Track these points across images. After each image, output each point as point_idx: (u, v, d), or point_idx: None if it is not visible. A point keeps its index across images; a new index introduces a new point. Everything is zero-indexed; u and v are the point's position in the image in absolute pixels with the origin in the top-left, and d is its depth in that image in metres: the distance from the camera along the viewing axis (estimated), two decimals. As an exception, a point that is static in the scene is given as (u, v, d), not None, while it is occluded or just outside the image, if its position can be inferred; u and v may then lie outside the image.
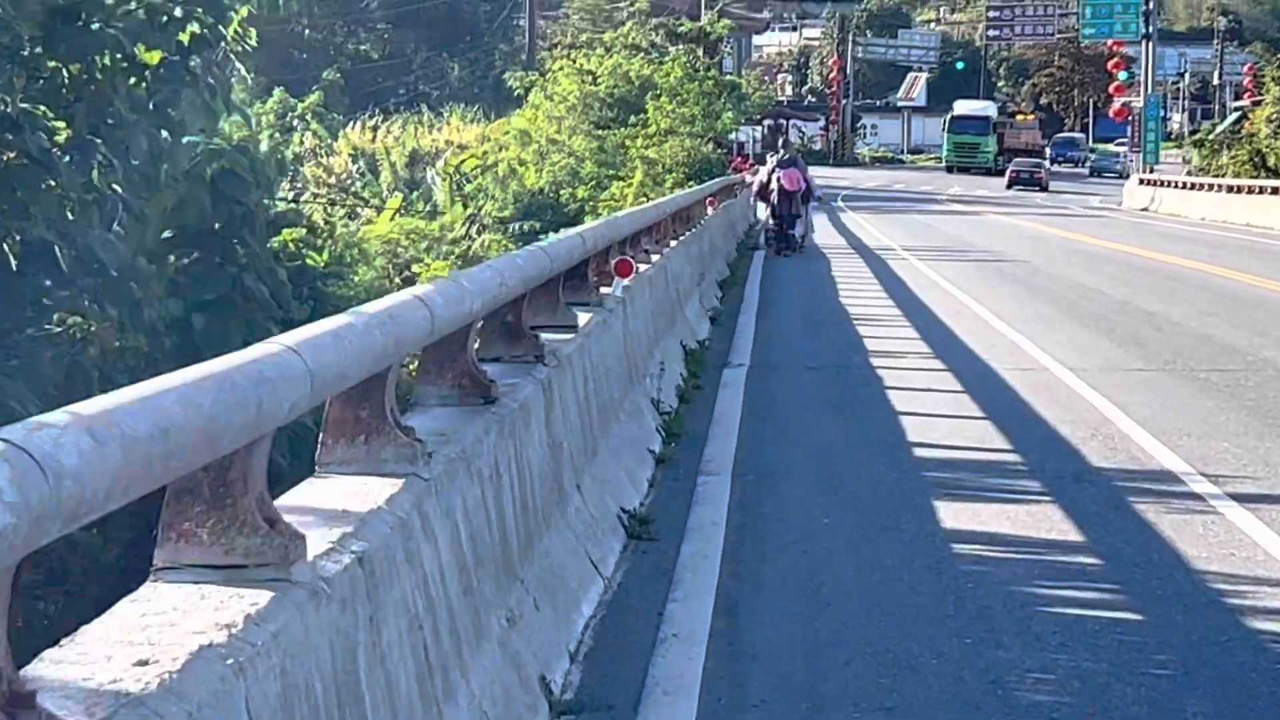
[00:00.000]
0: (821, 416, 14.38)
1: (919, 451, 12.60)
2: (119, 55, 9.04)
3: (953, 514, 10.38)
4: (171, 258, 10.05)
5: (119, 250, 8.66)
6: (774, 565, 9.21)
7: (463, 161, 40.54)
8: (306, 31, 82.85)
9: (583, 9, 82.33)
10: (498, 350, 9.10)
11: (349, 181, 55.90)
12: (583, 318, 11.21)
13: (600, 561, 8.87)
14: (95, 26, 8.70)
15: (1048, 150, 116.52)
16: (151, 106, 9.24)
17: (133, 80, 9.15)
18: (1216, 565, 9.11)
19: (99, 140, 8.98)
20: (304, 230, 12.95)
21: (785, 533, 9.93)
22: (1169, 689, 6.98)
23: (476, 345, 9.15)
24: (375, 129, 65.39)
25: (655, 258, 17.39)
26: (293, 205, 41.64)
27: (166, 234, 9.81)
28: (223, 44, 9.85)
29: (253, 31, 10.42)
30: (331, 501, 5.37)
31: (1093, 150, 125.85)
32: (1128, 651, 7.48)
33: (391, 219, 35.74)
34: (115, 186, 9.02)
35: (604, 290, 12.81)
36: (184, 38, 9.45)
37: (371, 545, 4.94)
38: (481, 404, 7.54)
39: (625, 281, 13.58)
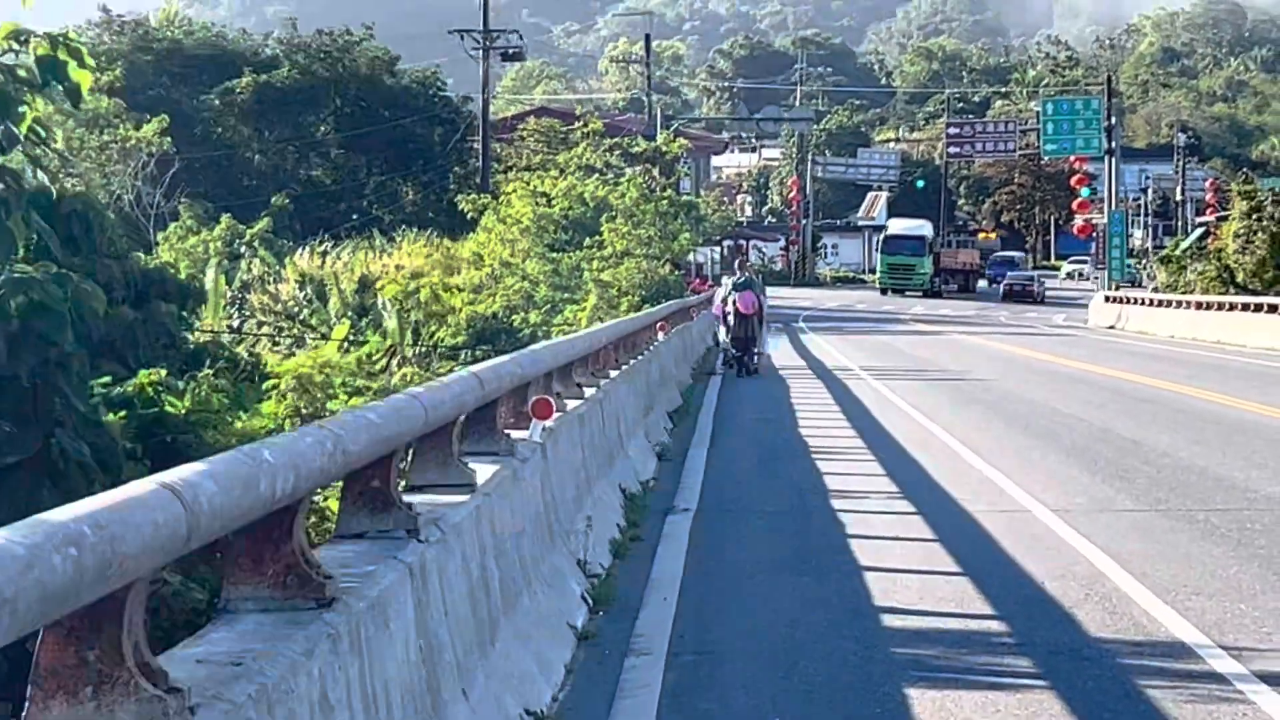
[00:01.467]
0: (775, 575, 12.51)
1: (887, 620, 10.80)
2: (-122, 164, 7.33)
3: (929, 707, 8.59)
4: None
5: None
6: (710, 785, 7.42)
7: (382, 288, 38.95)
8: (256, 157, 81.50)
9: (537, 130, 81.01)
10: (360, 524, 7.31)
11: (296, 309, 54.48)
12: (486, 471, 9.46)
13: (488, 790, 7.06)
14: None
15: (986, 270, 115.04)
16: (-73, 227, 7.51)
17: (-99, 194, 7.42)
18: (1260, 780, 7.34)
19: None
20: (163, 371, 11.22)
21: (726, 737, 8.13)
22: None
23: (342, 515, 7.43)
24: (325, 254, 64.03)
25: (591, 391, 15.63)
26: (217, 334, 39.89)
27: (-46, 385, 8.07)
28: (18, 147, 8.10)
29: (59, 133, 8.70)
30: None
31: (1049, 268, 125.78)
32: None
33: (339, 348, 34.02)
34: None
35: (518, 434, 11.05)
36: (-38, 141, 7.73)
37: None
38: (314, 607, 5.76)
39: (547, 423, 11.82)
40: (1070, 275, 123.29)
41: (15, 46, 7.83)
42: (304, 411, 17.51)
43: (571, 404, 14.01)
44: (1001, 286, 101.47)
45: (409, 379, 22.66)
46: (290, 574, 5.77)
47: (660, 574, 12.40)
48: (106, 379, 10.59)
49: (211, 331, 45.16)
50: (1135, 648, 9.86)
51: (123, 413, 10.09)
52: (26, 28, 7.75)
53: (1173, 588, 11.48)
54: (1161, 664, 9.48)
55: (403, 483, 8.89)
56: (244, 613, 5.70)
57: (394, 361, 28.40)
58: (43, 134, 8.02)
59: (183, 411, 11.26)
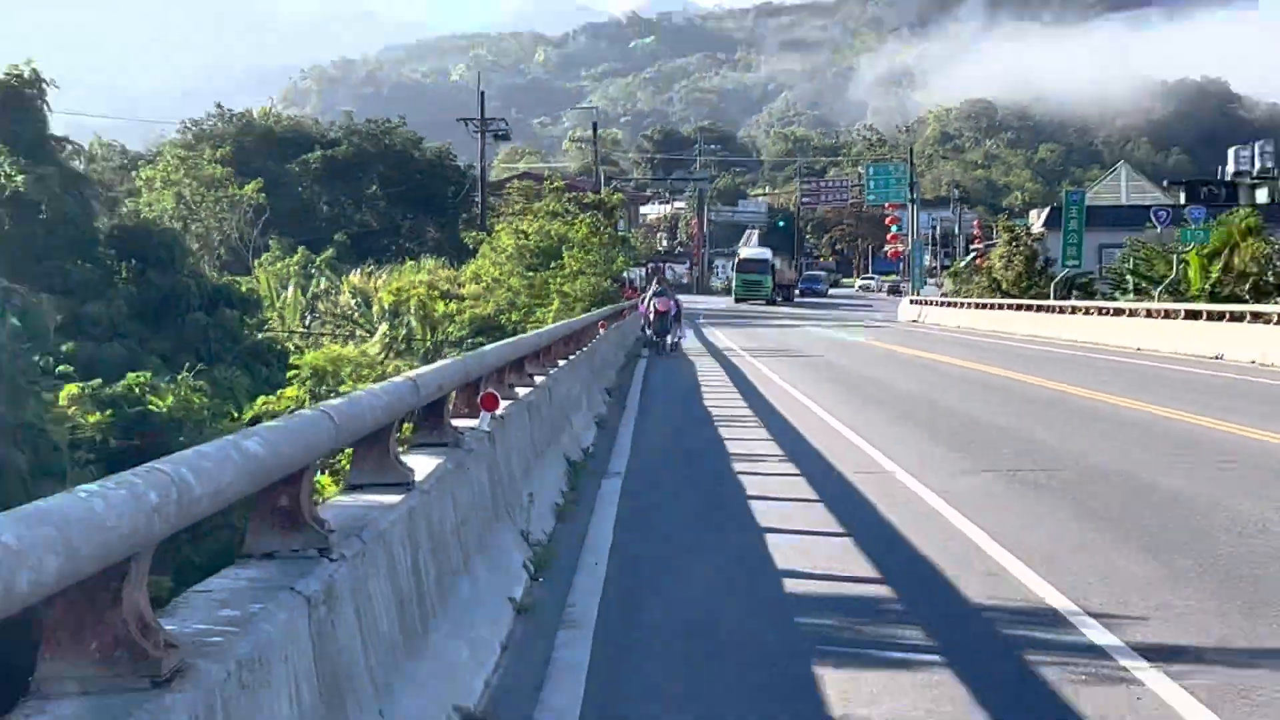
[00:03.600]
0: (691, 534, 9.91)
1: (790, 585, 8.21)
2: None
3: (837, 686, 6.05)
4: None
5: None
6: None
7: (381, 297, 36.18)
8: (324, 208, 78.44)
9: (520, 188, 78.26)
10: (270, 543, 4.69)
11: (350, 313, 51.95)
12: (431, 463, 6.87)
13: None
14: None
15: (799, 285, 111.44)
16: None
17: None
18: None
19: None
20: (149, 375, 8.64)
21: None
22: None
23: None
24: (370, 274, 61.46)
25: (541, 379, 13.00)
26: (293, 332, 36.73)
27: None
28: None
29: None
30: None
31: (835, 283, 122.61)
32: None
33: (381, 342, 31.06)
34: None
35: (467, 424, 8.45)
36: None
37: None
38: (147, 688, 3.17)
39: (499, 411, 9.21)
40: (863, 288, 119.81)
41: None
42: (318, 394, 14.91)
43: (523, 391, 11.41)
44: (886, 287, 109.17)
45: (400, 369, 19.96)
46: (119, 648, 3.18)
47: (594, 537, 9.80)
48: (97, 381, 8.21)
49: (288, 331, 42.26)
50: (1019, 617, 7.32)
51: (109, 411, 7.62)
52: None
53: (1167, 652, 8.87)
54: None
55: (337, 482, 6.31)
56: (58, 697, 3.10)
57: (390, 354, 25.60)
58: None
59: (165, 409, 8.75)
